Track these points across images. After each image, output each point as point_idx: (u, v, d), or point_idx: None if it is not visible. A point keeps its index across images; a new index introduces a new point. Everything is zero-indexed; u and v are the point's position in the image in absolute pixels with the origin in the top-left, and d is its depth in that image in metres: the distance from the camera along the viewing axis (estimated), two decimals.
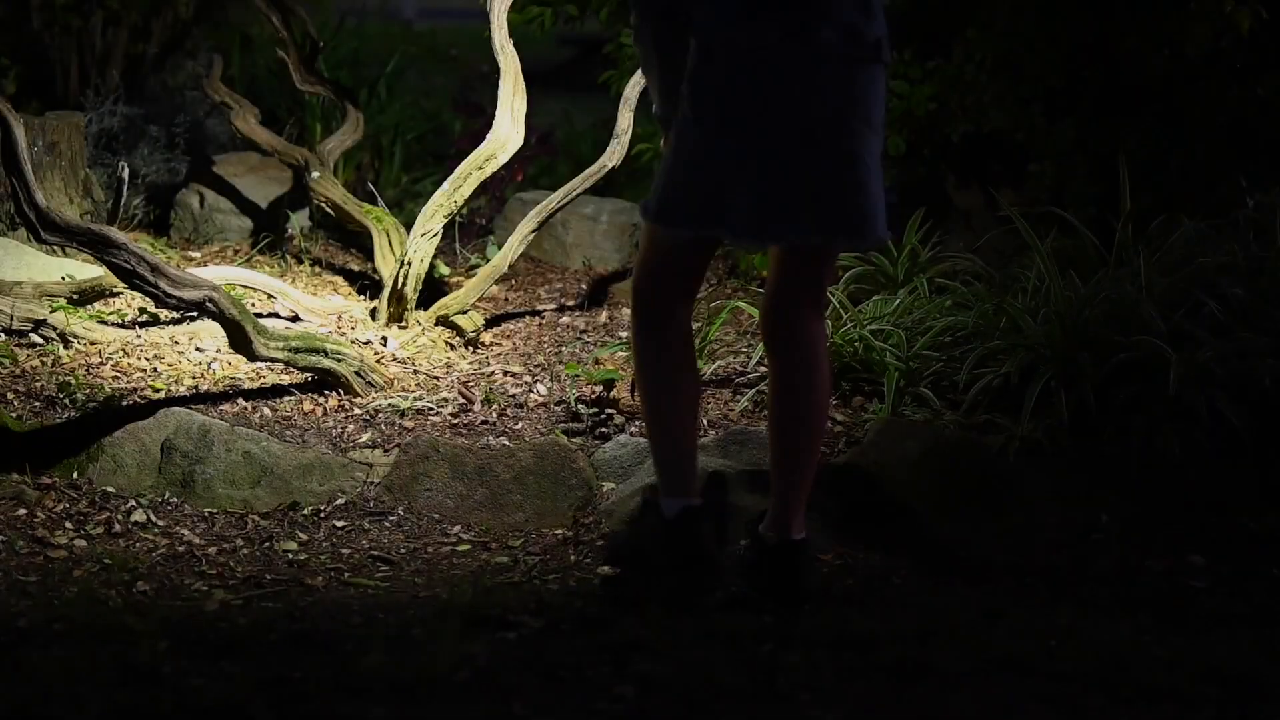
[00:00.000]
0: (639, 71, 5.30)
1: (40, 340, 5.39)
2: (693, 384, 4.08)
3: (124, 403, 4.98)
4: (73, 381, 5.07)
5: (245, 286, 5.86)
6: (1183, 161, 6.14)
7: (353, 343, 5.46)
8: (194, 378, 5.26)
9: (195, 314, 5.11)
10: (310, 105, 7.61)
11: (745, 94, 3.77)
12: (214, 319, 4.93)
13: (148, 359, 5.36)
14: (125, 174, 4.49)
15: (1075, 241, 5.52)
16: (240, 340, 4.97)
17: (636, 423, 4.89)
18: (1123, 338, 4.90)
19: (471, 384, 5.29)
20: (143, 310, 5.70)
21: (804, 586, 3.98)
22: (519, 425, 4.98)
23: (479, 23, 5.96)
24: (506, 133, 5.61)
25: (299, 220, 6.87)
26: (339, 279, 6.46)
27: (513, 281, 6.52)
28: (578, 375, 5.18)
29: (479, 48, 6.43)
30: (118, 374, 5.25)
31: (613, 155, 5.79)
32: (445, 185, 5.76)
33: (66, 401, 4.97)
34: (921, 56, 6.29)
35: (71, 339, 5.40)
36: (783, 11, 3.76)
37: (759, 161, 3.77)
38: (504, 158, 5.66)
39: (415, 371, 5.38)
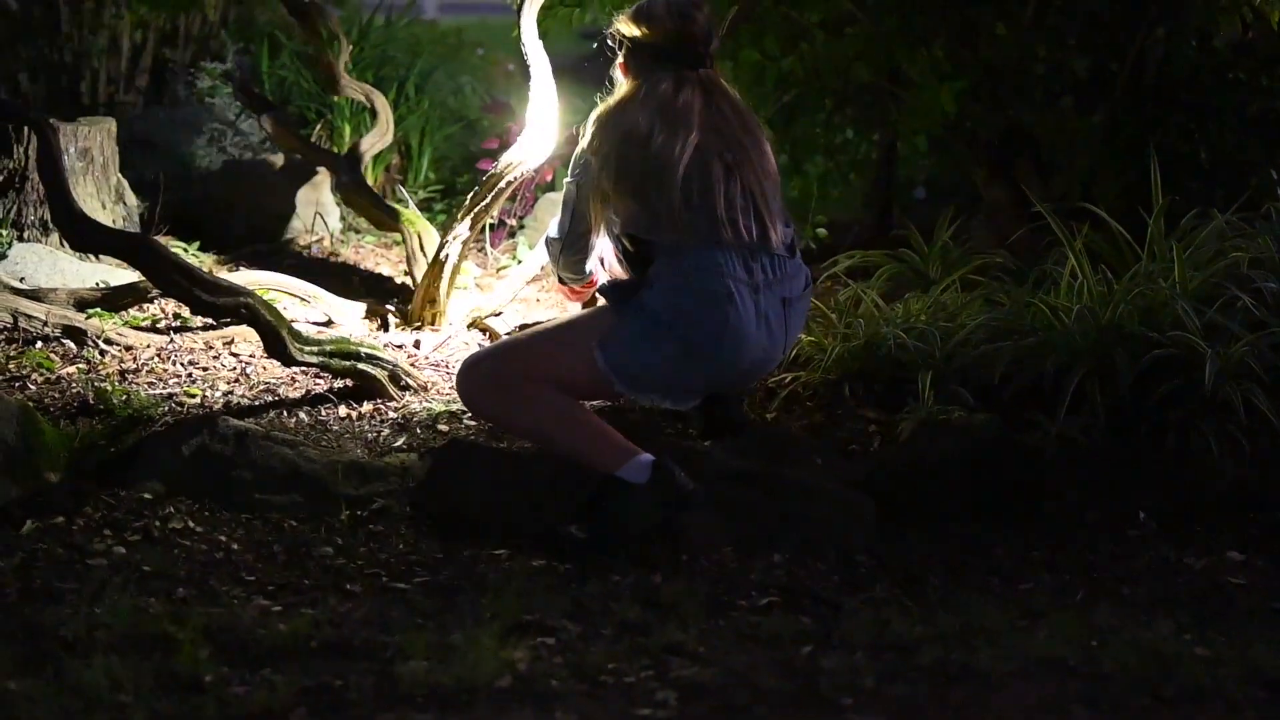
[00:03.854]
0: None
1: (76, 347, 5.41)
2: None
3: (160, 409, 4.99)
4: (109, 388, 5.09)
5: (279, 290, 5.87)
6: (1213, 154, 6.13)
7: (386, 346, 5.47)
8: (229, 383, 5.27)
9: (230, 319, 5.12)
10: (339, 107, 7.63)
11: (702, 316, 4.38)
12: (249, 324, 4.94)
13: (183, 364, 5.37)
14: (160, 180, 4.48)
15: (1106, 236, 5.51)
16: (275, 345, 4.97)
17: None
18: (1157, 334, 4.89)
19: None
20: (177, 315, 5.72)
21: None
22: None
23: (501, 16, 5.95)
24: (537, 135, 5.60)
25: (330, 223, 6.88)
26: (372, 281, 6.47)
27: (544, 282, 6.52)
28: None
29: (505, 44, 6.44)
30: (153, 380, 5.26)
31: None
32: (476, 188, 5.76)
33: (103, 408, 4.98)
34: (950, 53, 6.28)
35: (107, 345, 5.42)
36: None
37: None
38: (535, 162, 5.65)
39: (449, 374, 5.39)
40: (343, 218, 6.88)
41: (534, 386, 4.31)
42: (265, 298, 5.08)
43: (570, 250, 4.58)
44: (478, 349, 4.74)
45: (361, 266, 6.65)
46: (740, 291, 4.27)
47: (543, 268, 5.92)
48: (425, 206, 7.20)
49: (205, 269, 4.99)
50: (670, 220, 4.29)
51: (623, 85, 4.49)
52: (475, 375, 4.39)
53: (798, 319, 4.46)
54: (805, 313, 4.55)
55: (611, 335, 4.31)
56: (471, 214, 5.70)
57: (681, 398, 4.40)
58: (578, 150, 4.50)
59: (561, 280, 4.77)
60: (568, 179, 4.56)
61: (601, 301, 4.46)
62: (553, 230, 4.65)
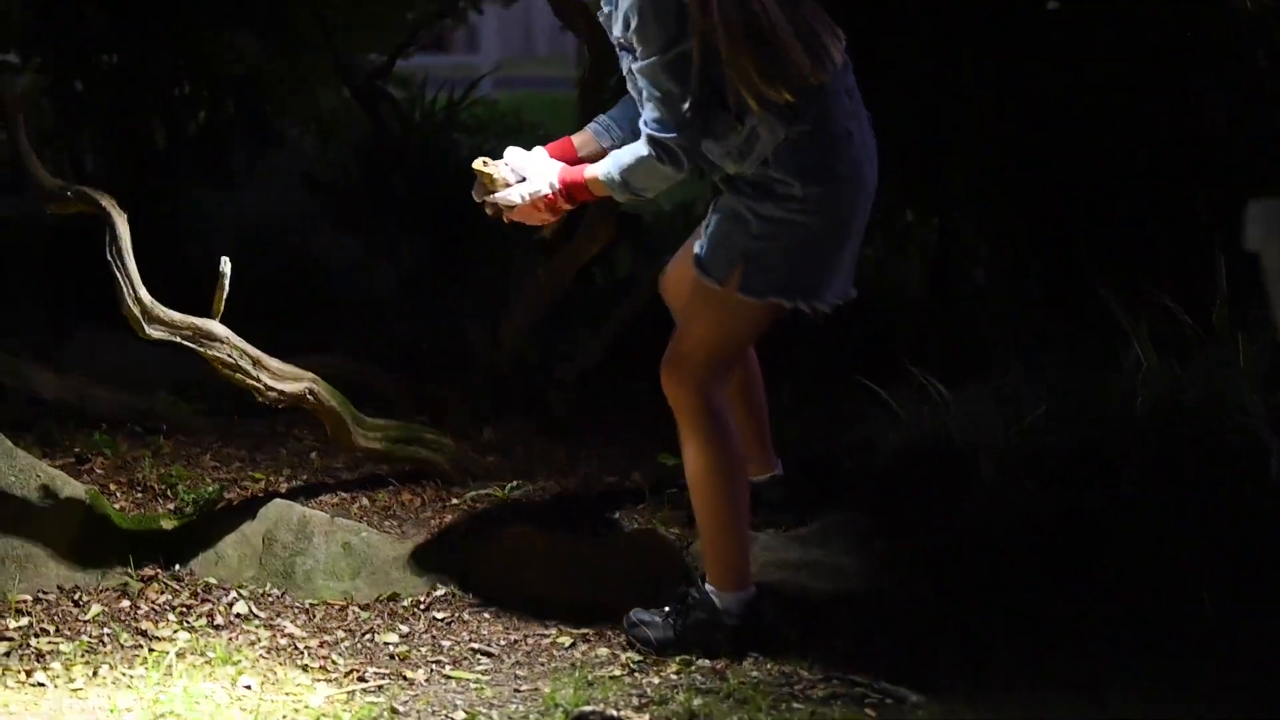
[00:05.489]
0: None
1: (141, 430, 5.45)
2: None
3: (225, 493, 5.02)
4: (174, 472, 5.12)
5: (340, 373, 5.88)
6: None
7: (449, 429, 5.48)
8: (292, 467, 5.29)
9: (296, 405, 5.14)
10: None
11: (853, 173, 4.04)
12: (313, 410, 4.97)
13: (247, 448, 5.41)
14: (226, 268, 4.52)
15: (1169, 319, 5.48)
16: (339, 431, 5.00)
17: None
18: (1222, 422, 4.86)
19: (567, 471, 5.30)
20: (242, 397, 5.75)
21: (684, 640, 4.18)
22: (616, 514, 4.98)
23: (558, 91, 5.98)
24: (597, 224, 5.61)
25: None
26: (436, 362, 6.49)
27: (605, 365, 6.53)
28: (676, 467, 5.16)
29: (564, 120, 6.45)
30: (217, 464, 5.29)
31: None
32: (537, 273, 5.79)
33: (168, 492, 5.02)
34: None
35: (172, 429, 5.45)
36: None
37: (859, 235, 4.12)
38: (595, 248, 5.67)
39: (511, 458, 5.40)
40: None
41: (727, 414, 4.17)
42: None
43: (695, 131, 3.94)
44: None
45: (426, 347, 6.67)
46: (851, 127, 4.05)
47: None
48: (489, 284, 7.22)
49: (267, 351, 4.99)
50: (789, 67, 3.89)
51: None
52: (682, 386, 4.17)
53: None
54: None
55: (748, 256, 4.02)
56: (534, 300, 5.73)
57: (834, 282, 4.12)
58: (636, 27, 3.88)
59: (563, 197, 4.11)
60: (646, 60, 3.90)
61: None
62: (655, 124, 3.93)
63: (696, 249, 4.10)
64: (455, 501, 5.07)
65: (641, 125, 3.95)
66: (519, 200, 4.07)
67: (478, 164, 4.11)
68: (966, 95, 6.32)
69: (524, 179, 4.08)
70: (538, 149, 4.18)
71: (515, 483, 5.18)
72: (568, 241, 5.39)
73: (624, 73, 4.06)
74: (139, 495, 5.02)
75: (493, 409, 5.74)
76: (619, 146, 4.12)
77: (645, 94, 3.91)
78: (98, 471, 5.18)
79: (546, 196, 4.07)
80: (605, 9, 4.03)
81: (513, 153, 4.13)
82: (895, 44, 6.24)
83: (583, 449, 5.55)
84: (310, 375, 4.88)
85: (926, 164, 6.63)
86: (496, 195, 4.10)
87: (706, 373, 4.11)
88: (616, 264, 7.53)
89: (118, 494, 5.02)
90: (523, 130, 9.09)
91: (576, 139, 4.24)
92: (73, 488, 4.73)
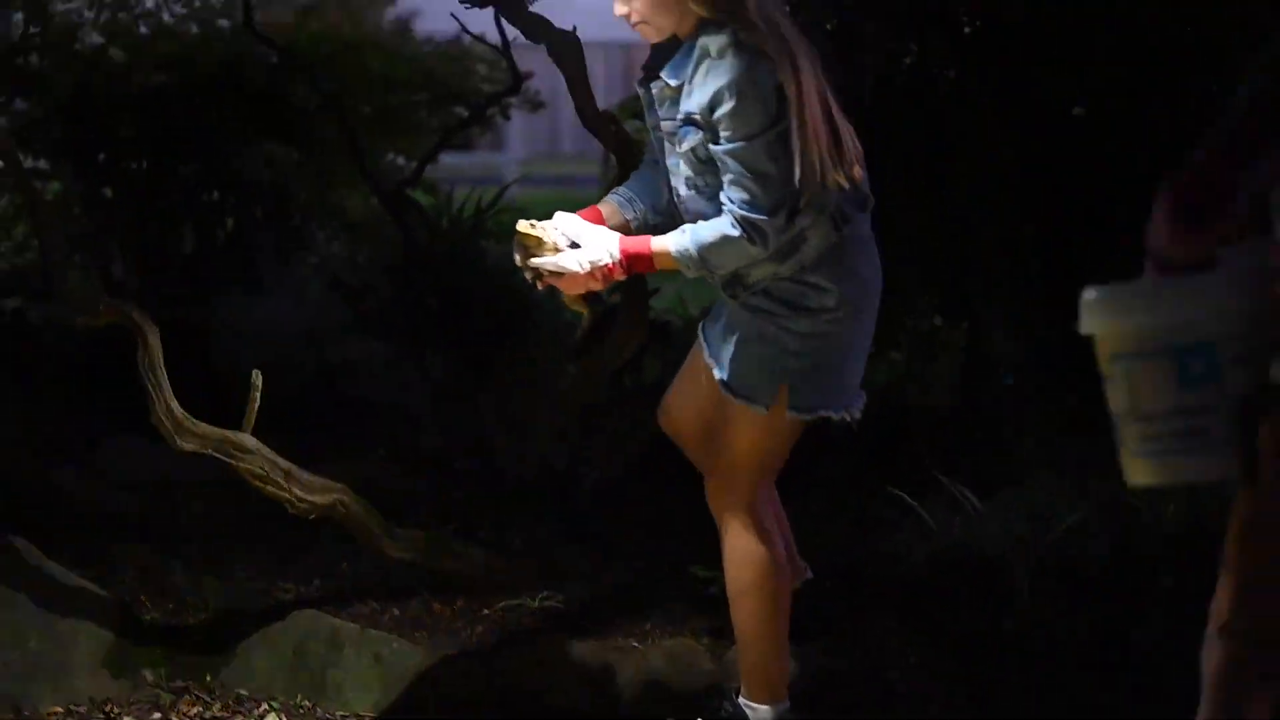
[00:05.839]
0: None
1: (172, 537, 5.45)
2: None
3: (255, 603, 5.02)
4: (204, 582, 5.12)
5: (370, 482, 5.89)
6: None
7: (478, 538, 5.48)
8: (322, 576, 5.29)
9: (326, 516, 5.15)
10: None
11: (874, 276, 4.04)
12: (343, 520, 4.97)
13: (277, 556, 5.40)
14: (258, 380, 4.54)
15: None
16: (368, 541, 4.99)
17: None
18: None
19: (597, 580, 5.29)
20: (272, 504, 5.75)
21: None
22: (647, 624, 4.96)
23: (583, 189, 5.98)
24: (630, 329, 5.62)
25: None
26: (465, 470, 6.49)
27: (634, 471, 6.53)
28: (708, 578, 5.13)
29: None
30: (248, 572, 5.29)
31: None
32: (570, 370, 5.79)
33: (199, 602, 5.02)
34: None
35: (203, 535, 5.46)
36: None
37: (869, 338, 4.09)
38: (626, 355, 5.68)
39: (541, 567, 5.39)
40: None
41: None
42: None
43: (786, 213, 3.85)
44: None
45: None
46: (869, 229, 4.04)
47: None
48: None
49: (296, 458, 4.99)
50: (846, 153, 3.90)
51: (718, 34, 3.84)
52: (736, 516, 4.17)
53: None
54: None
55: (792, 376, 4.00)
56: (563, 407, 5.75)
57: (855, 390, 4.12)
58: (733, 109, 3.80)
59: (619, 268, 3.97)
60: (741, 142, 3.82)
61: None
62: (739, 204, 3.84)
63: (721, 375, 4.02)
64: (486, 612, 5.06)
65: (728, 205, 3.83)
66: (576, 268, 3.89)
67: (523, 225, 3.93)
68: (997, 201, 6.34)
69: (574, 244, 3.93)
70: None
71: (545, 593, 5.17)
72: (598, 347, 5.39)
73: (674, 149, 3.96)
74: (170, 605, 5.02)
75: (521, 517, 5.74)
76: (642, 220, 4.09)
77: (734, 175, 3.82)
78: (128, 581, 5.17)
79: (606, 266, 3.92)
80: (664, 84, 3.93)
81: (563, 217, 3.98)
82: (926, 147, 6.28)
83: (612, 557, 5.54)
84: (340, 486, 4.89)
85: (956, 268, 6.65)
86: (546, 260, 3.91)
87: (753, 488, 4.11)
88: (645, 369, 7.54)
89: (148, 603, 5.02)
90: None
91: (603, 209, 4.10)
92: (103, 598, 4.73)
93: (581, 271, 3.90)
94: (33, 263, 7.79)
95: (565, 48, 4.87)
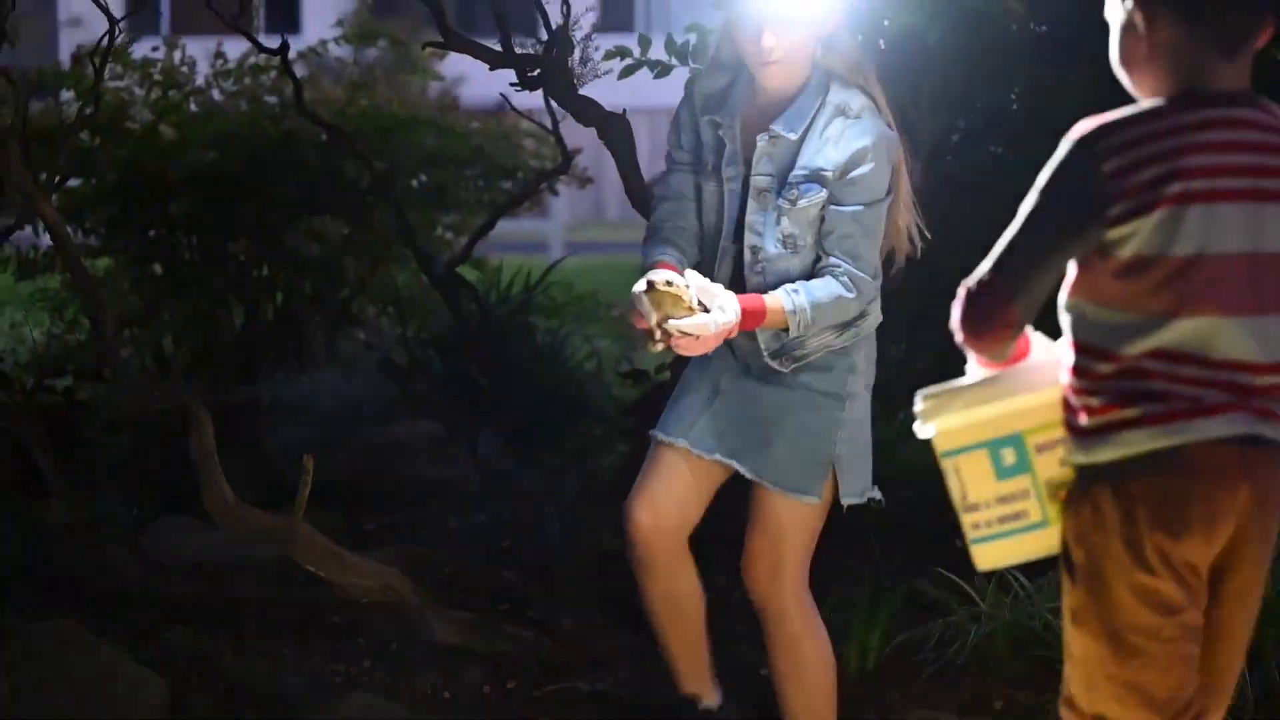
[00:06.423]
0: None
1: (223, 618, 5.45)
2: None
3: (305, 687, 5.01)
4: (254, 666, 5.11)
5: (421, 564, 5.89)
6: None
7: (529, 620, 5.46)
8: (373, 658, 5.27)
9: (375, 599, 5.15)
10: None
11: None
12: (392, 603, 4.96)
13: (327, 637, 5.38)
14: (309, 465, 4.55)
15: None
16: (419, 624, 4.99)
17: None
18: None
19: (650, 663, 5.26)
20: (321, 584, 5.75)
21: None
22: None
23: (627, 255, 5.96)
24: None
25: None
26: (515, 551, 6.48)
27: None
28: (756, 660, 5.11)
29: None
30: (298, 655, 5.28)
31: None
32: (620, 448, 5.80)
33: (248, 687, 5.00)
34: None
35: (253, 617, 5.45)
36: None
37: None
38: None
39: (593, 650, 5.36)
40: None
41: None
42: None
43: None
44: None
45: None
46: None
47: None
48: (558, 473, 7.22)
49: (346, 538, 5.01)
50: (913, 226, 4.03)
51: (851, 92, 3.85)
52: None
53: None
54: None
55: (839, 463, 4.02)
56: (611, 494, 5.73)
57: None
58: (870, 171, 3.82)
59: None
60: (867, 205, 3.83)
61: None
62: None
63: (757, 476, 4.02)
64: (537, 694, 5.04)
65: (845, 265, 3.79)
66: (714, 330, 3.74)
67: (662, 284, 3.74)
68: None
69: (703, 304, 3.77)
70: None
71: (596, 675, 5.15)
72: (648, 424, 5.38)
73: (767, 204, 3.87)
74: (220, 688, 5.01)
75: (573, 599, 5.72)
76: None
77: (854, 237, 3.80)
78: (179, 665, 5.17)
79: (730, 326, 3.79)
80: (778, 136, 3.84)
81: (694, 276, 3.82)
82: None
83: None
84: (390, 570, 4.90)
85: None
86: (687, 322, 3.73)
87: (805, 576, 4.11)
88: None
89: (199, 686, 5.01)
90: (599, 317, 8.99)
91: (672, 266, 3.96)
92: (156, 683, 4.73)
93: (715, 333, 3.77)
94: (83, 341, 7.83)
95: (614, 130, 4.90)
